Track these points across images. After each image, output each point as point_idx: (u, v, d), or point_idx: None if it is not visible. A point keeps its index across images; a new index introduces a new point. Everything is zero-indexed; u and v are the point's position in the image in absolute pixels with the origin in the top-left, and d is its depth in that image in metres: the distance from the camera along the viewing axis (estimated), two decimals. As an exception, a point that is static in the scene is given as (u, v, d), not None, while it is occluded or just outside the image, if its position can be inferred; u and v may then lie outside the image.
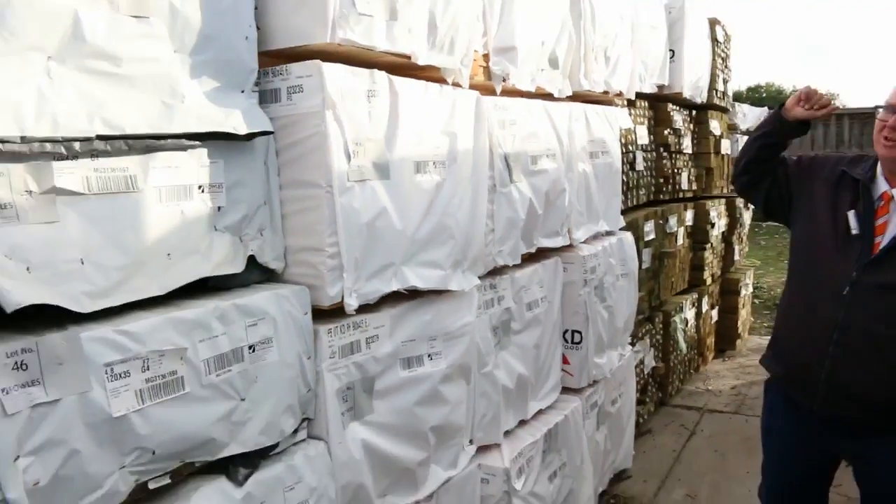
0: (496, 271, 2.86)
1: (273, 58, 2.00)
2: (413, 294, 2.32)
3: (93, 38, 1.55)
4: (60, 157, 1.47)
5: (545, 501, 3.06)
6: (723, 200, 6.25)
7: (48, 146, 1.44)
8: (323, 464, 1.99)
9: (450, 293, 2.48)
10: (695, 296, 5.58)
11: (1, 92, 1.39)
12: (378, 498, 2.22)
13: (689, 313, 5.48)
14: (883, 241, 2.21)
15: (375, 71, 2.10)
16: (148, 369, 1.55)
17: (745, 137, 7.42)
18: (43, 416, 1.38)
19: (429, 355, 2.40)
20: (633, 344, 4.26)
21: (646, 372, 4.69)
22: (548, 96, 3.23)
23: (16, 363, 1.35)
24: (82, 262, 1.52)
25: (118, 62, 1.60)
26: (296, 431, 1.97)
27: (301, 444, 1.97)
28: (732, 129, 7.17)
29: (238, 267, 1.87)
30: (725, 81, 6.15)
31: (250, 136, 1.86)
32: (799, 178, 2.49)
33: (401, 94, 2.17)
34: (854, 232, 2.28)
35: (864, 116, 15.40)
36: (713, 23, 5.72)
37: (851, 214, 2.29)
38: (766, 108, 10.04)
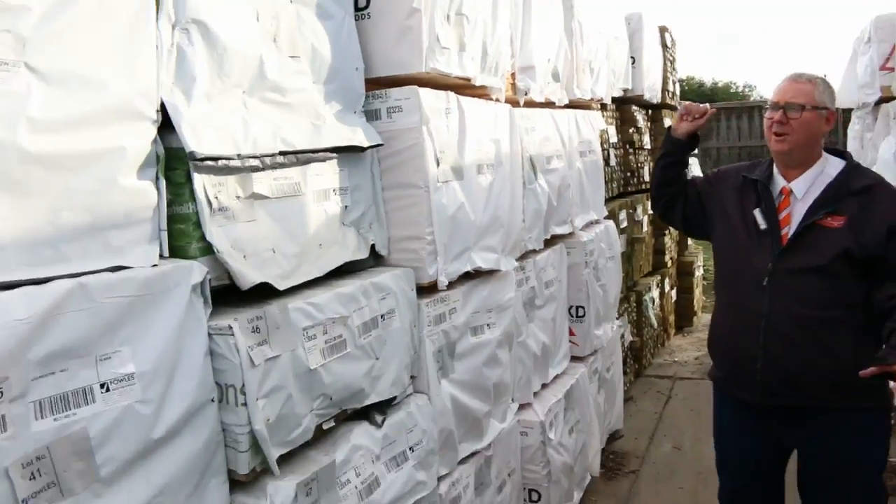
0: (522, 256, 3.35)
1: (372, 85, 2.45)
2: (475, 274, 2.80)
3: (270, 75, 1.99)
4: (256, 169, 1.91)
5: (569, 450, 3.58)
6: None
7: (253, 161, 1.88)
8: (427, 412, 2.45)
9: (498, 273, 2.97)
10: (658, 277, 6.20)
11: (221, 120, 1.82)
12: (459, 443, 2.70)
13: (655, 293, 6.10)
14: (790, 231, 2.37)
15: (450, 92, 2.58)
16: (326, 332, 2.00)
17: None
18: (270, 367, 1.82)
19: (487, 325, 2.89)
20: (618, 318, 4.82)
21: (625, 345, 5.26)
22: (550, 105, 3.74)
23: (253, 327, 1.78)
24: (273, 252, 1.96)
25: (284, 93, 2.04)
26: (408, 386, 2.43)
27: (412, 396, 2.43)
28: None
29: (364, 254, 2.32)
30: (674, 82, 6.81)
31: (366, 148, 2.32)
32: (709, 192, 2.66)
33: (466, 110, 2.66)
34: (762, 227, 2.43)
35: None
36: (662, 30, 6.36)
37: (757, 212, 2.45)
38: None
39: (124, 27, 1.58)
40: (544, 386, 3.61)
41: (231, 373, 1.73)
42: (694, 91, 27.07)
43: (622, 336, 5.13)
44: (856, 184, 2.37)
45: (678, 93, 7.06)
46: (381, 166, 2.45)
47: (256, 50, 1.94)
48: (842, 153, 2.49)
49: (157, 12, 1.67)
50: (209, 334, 1.71)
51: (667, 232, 6.41)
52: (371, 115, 2.43)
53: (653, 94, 5.98)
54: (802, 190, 2.42)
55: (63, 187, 1.46)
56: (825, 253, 2.30)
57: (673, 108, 6.80)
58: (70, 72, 1.47)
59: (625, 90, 5.29)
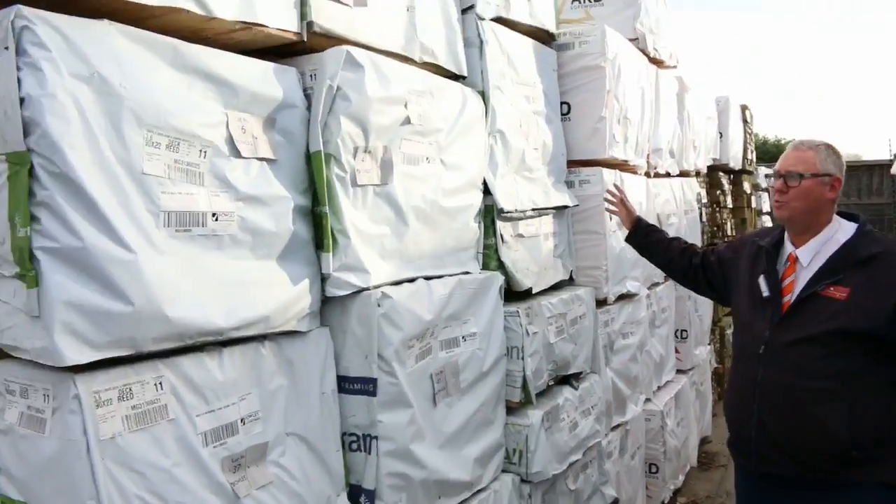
0: (650, 286, 4.52)
1: (569, 164, 3.67)
2: (625, 296, 3.97)
3: (526, 161, 3.22)
4: (522, 219, 3.13)
5: (678, 438, 4.70)
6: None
7: (520, 214, 3.11)
8: (599, 385, 3.61)
9: (637, 297, 4.14)
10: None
11: (508, 189, 3.05)
12: (613, 413, 3.85)
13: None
14: (791, 300, 2.35)
15: (616, 171, 3.80)
16: (556, 322, 3.20)
17: (764, 193, 9.19)
18: (534, 339, 3.00)
19: (631, 332, 4.05)
20: (709, 345, 5.93)
21: (710, 369, 6.34)
22: (667, 175, 4.93)
23: (527, 313, 2.98)
24: (528, 269, 3.17)
25: (532, 171, 3.27)
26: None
27: (591, 374, 3.60)
28: (756, 187, 8.96)
29: (566, 276, 3.53)
30: (751, 150, 7.96)
31: (569, 207, 3.54)
32: (729, 260, 2.71)
33: (626, 181, 3.87)
34: (765, 295, 2.41)
35: (850, 169, 17.28)
36: (743, 108, 7.55)
37: (761, 279, 2.45)
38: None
39: (475, 137, 2.83)
40: (659, 388, 4.73)
41: (515, 339, 2.93)
42: (759, 148, 27.60)
43: (709, 362, 6.23)
44: (862, 252, 2.31)
45: (755, 159, 8.20)
46: (573, 219, 3.65)
47: (521, 146, 3.18)
48: (856, 217, 2.45)
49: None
50: (505, 316, 2.91)
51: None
52: (569, 185, 3.65)
53: (735, 161, 7.14)
54: (808, 257, 2.38)
55: (449, 226, 2.69)
56: (822, 325, 2.26)
57: (750, 173, 7.93)
58: (455, 163, 2.72)
59: (714, 159, 6.46)
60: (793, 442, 2.30)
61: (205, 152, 1.87)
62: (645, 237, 3.10)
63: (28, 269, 1.57)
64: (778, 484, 2.37)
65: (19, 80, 1.52)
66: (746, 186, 7.66)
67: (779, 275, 2.43)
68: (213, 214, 1.87)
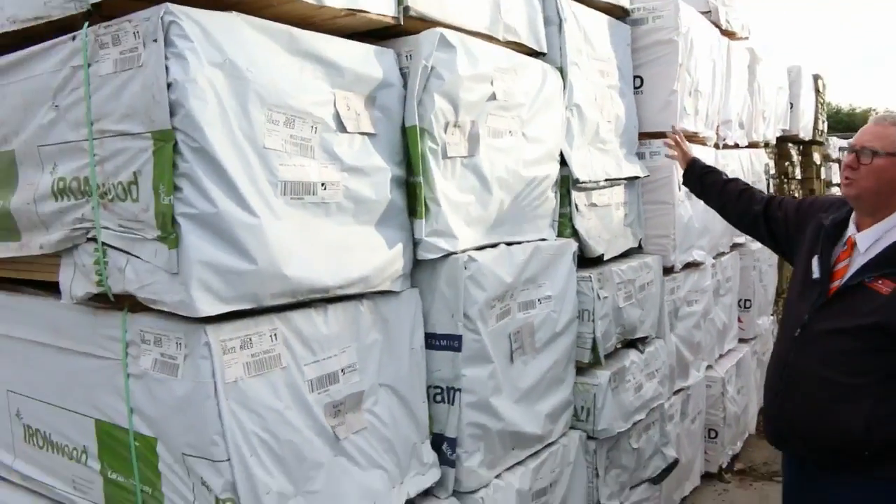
0: (715, 256, 4.62)
1: (641, 136, 3.79)
2: (691, 264, 4.09)
3: (600, 133, 3.35)
4: (595, 188, 3.28)
5: (738, 405, 4.82)
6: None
7: (593, 184, 3.25)
8: (664, 350, 3.76)
9: (702, 265, 4.25)
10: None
11: (582, 160, 3.19)
12: (676, 378, 4.00)
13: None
14: (840, 285, 2.25)
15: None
16: (625, 287, 3.35)
17: (835, 165, 9.09)
18: (604, 302, 3.16)
19: (696, 300, 4.18)
20: (772, 315, 6.00)
21: (773, 339, 6.40)
22: (736, 146, 4.99)
23: (598, 278, 3.14)
24: (600, 237, 3.32)
25: (605, 143, 3.41)
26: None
27: (656, 339, 3.75)
28: (826, 158, 8.86)
29: (635, 244, 3.67)
30: (823, 121, 7.87)
31: (640, 178, 3.66)
32: (796, 222, 2.61)
33: (695, 153, 3.97)
34: (815, 276, 2.32)
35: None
36: (816, 77, 7.46)
37: (815, 259, 2.34)
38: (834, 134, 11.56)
39: (554, 111, 2.98)
40: (721, 356, 4.85)
41: (586, 302, 3.10)
42: (831, 117, 26.86)
43: (772, 331, 6.28)
44: None
45: (826, 129, 8.11)
46: (643, 189, 3.78)
47: (595, 119, 3.31)
48: None
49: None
50: (577, 281, 3.08)
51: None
52: (639, 156, 3.77)
53: (806, 132, 7.10)
54: (867, 243, 2.27)
55: (528, 195, 2.86)
56: (858, 318, 2.18)
57: (820, 144, 7.86)
58: (536, 136, 2.87)
59: (784, 130, 6.45)
60: (809, 431, 2.27)
61: (315, 128, 2.07)
62: (700, 179, 3.09)
63: (169, 233, 1.80)
64: (797, 463, 2.40)
65: (167, 68, 1.74)
66: (816, 157, 7.60)
67: (833, 257, 2.32)
68: (322, 184, 2.08)
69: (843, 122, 27.20)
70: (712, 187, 3.05)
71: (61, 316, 2.29)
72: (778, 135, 6.24)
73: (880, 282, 2.17)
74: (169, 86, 1.74)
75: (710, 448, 4.57)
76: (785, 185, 6.72)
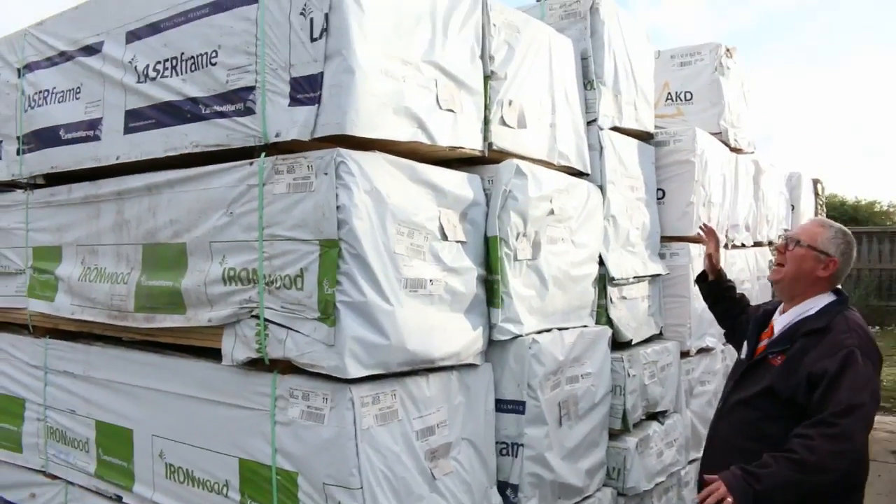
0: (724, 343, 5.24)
1: (662, 239, 4.48)
2: (703, 349, 4.73)
3: (630, 237, 4.04)
4: (626, 284, 3.94)
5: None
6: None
7: (624, 280, 3.92)
8: (681, 423, 4.34)
9: (713, 350, 4.88)
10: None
11: (617, 261, 3.87)
12: (690, 449, 4.59)
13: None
14: (752, 361, 2.59)
15: (700, 245, 4.59)
16: (648, 367, 3.98)
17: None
18: (633, 379, 3.79)
19: (708, 381, 4.79)
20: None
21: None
22: (743, 246, 5.68)
23: (628, 359, 3.78)
24: (629, 324, 3.97)
25: (634, 246, 4.08)
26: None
27: (673, 413, 4.34)
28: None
29: (656, 331, 4.31)
30: (821, 222, 8.58)
31: (661, 275, 4.34)
32: (746, 320, 3.02)
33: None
34: (742, 356, 2.68)
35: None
36: (815, 181, 8.23)
37: (746, 341, 2.71)
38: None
39: (595, 221, 3.68)
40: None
41: (618, 379, 3.72)
42: (835, 209, 27.07)
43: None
44: (810, 325, 2.47)
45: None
46: (663, 284, 4.45)
47: (626, 226, 4.00)
48: (839, 294, 2.58)
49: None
50: (611, 361, 3.72)
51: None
52: (661, 256, 4.45)
53: (805, 232, 7.80)
54: (781, 326, 2.58)
55: (574, 290, 3.52)
56: (755, 387, 2.48)
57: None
58: (581, 242, 3.56)
59: (785, 230, 7.14)
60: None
61: (427, 237, 2.75)
62: (723, 291, 3.30)
63: (329, 315, 2.46)
64: None
65: (337, 195, 2.43)
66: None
67: (757, 340, 2.65)
68: (431, 280, 2.75)
69: (848, 215, 27.72)
70: (726, 300, 3.30)
71: (212, 375, 2.93)
72: (780, 233, 6.92)
73: (778, 356, 2.49)
74: (337, 207, 2.42)
75: (719, 515, 5.10)
76: (786, 280, 7.39)
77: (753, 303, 5.29)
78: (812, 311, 2.51)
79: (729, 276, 4.85)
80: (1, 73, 4.06)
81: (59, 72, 3.68)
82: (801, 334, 2.46)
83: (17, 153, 3.96)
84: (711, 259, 3.30)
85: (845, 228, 2.62)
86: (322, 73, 2.47)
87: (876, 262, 16.61)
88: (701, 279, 3.42)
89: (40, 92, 3.77)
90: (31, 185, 4.02)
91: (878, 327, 12.48)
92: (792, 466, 2.27)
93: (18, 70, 3.94)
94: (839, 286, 2.63)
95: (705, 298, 3.42)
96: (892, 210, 30.30)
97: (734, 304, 3.24)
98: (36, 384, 3.86)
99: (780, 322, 2.60)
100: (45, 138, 3.73)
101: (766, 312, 2.74)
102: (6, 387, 4.04)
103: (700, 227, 3.51)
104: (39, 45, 3.79)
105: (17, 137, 3.96)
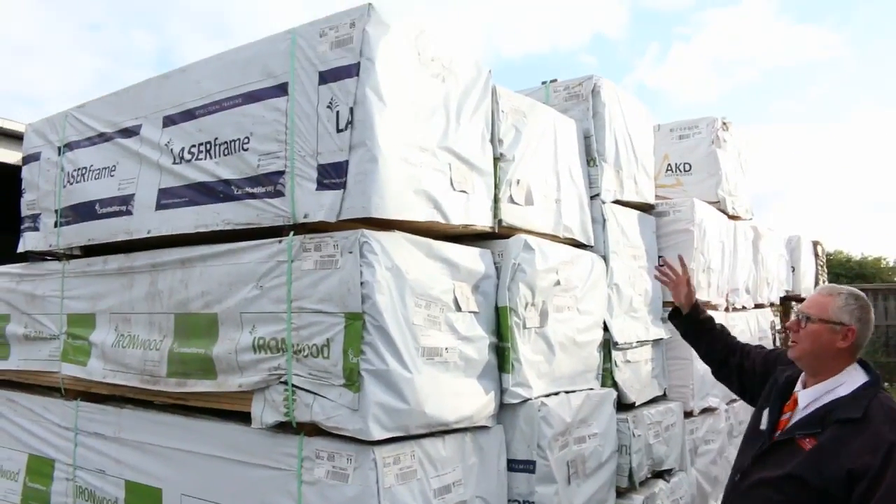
0: (728, 402, 5.41)
1: (663, 304, 4.69)
2: (706, 409, 4.89)
3: (633, 304, 4.25)
4: (629, 349, 4.14)
5: None
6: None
7: (627, 345, 4.12)
8: (686, 481, 4.49)
9: (717, 410, 5.05)
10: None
11: (620, 326, 4.08)
12: (696, 507, 4.72)
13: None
14: (777, 439, 2.38)
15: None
16: (653, 427, 4.15)
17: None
18: (638, 439, 3.97)
19: (712, 440, 4.95)
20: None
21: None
22: (744, 308, 5.88)
23: (633, 420, 3.96)
24: (635, 386, 4.16)
25: (637, 312, 4.29)
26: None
27: (678, 472, 4.50)
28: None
29: (660, 392, 4.50)
30: (823, 281, 8.80)
31: (661, 339, 4.54)
32: (762, 374, 2.79)
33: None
34: (762, 427, 2.46)
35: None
36: (815, 243, 8.46)
37: (766, 411, 2.50)
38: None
39: (600, 290, 3.90)
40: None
41: (624, 439, 3.90)
42: (842, 265, 27.02)
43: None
44: (843, 413, 2.31)
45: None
46: (666, 347, 4.65)
47: (629, 293, 4.22)
48: (868, 370, 2.44)
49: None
50: (617, 421, 3.90)
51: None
52: (663, 321, 4.65)
53: (807, 292, 8.00)
54: (806, 401, 2.41)
55: (580, 355, 3.73)
56: (782, 469, 2.31)
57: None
58: (586, 309, 3.78)
59: (787, 291, 7.36)
60: None
61: (442, 309, 2.98)
62: (698, 322, 3.17)
63: (354, 382, 2.67)
64: None
65: (361, 272, 2.66)
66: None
67: (780, 411, 2.47)
68: (446, 349, 2.97)
69: (854, 271, 27.76)
70: (706, 334, 3.17)
71: (240, 437, 3.12)
72: (781, 295, 7.13)
73: (807, 439, 2.31)
74: (361, 283, 2.66)
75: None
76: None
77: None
78: (842, 393, 2.36)
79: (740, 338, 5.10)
80: (42, 150, 4.35)
81: (97, 151, 3.95)
82: (833, 420, 2.30)
83: (55, 225, 4.23)
84: (679, 291, 3.21)
85: (857, 291, 2.47)
86: (347, 161, 2.72)
87: (882, 318, 16.73)
88: (673, 315, 3.32)
89: (78, 169, 4.05)
90: (67, 255, 4.27)
91: (886, 384, 12.53)
92: None
93: (59, 148, 4.22)
94: (866, 362, 2.49)
95: (684, 336, 3.31)
96: (897, 265, 30.40)
97: (716, 339, 3.15)
98: (66, 445, 4.04)
99: (805, 396, 2.43)
100: (83, 212, 3.99)
101: (788, 381, 2.56)
102: (37, 448, 4.21)
103: (656, 268, 3.44)
104: (79, 125, 4.07)
105: (56, 211, 4.23)
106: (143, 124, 3.65)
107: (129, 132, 3.74)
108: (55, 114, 4.29)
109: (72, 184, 4.09)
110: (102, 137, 3.93)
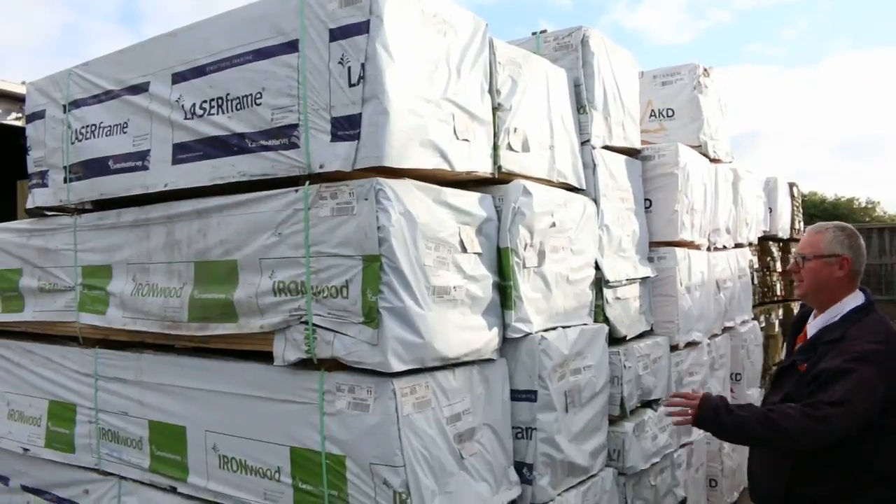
0: (710, 337, 5.71)
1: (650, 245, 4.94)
2: (690, 343, 5.18)
3: (622, 244, 4.50)
4: (620, 286, 4.39)
5: (733, 460, 5.82)
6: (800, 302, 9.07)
7: (618, 283, 4.38)
8: (672, 410, 4.81)
9: (700, 344, 5.34)
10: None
11: (612, 265, 4.32)
12: (681, 435, 5.04)
13: (782, 377, 8.27)
14: (783, 365, 2.77)
15: (685, 248, 5.05)
16: (642, 360, 4.43)
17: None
18: (629, 370, 4.24)
19: (695, 372, 5.25)
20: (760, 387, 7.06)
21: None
22: (724, 248, 6.15)
23: (625, 352, 4.24)
24: (625, 321, 4.42)
25: (625, 251, 4.54)
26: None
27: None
28: (802, 253, 10.07)
29: (647, 327, 4.76)
30: (799, 221, 9.11)
31: (649, 278, 4.80)
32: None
33: (692, 257, 5.12)
34: (782, 359, 3.05)
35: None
36: (791, 185, 8.73)
37: (785, 346, 3.07)
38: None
39: (590, 231, 4.13)
40: (716, 419, 5.89)
41: (616, 371, 4.17)
42: (816, 206, 27.59)
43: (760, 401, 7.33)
44: (828, 335, 2.60)
45: (803, 228, 9.34)
46: (652, 285, 4.91)
47: (618, 234, 4.45)
48: (866, 296, 2.69)
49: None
50: (609, 354, 4.17)
51: (791, 333, 8.60)
52: (650, 260, 4.91)
53: (784, 232, 8.33)
54: (812, 331, 2.71)
55: (574, 293, 3.97)
56: (783, 392, 2.68)
57: (797, 241, 9.06)
58: (579, 249, 4.01)
59: (765, 231, 7.65)
60: (756, 488, 2.88)
61: (450, 250, 3.19)
62: (724, 415, 2.67)
63: (373, 319, 2.89)
64: None
65: (377, 217, 2.86)
66: (794, 252, 8.79)
67: (794, 344, 2.84)
68: (454, 287, 3.19)
69: (828, 212, 28.35)
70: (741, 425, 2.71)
71: (262, 375, 3.34)
72: (759, 235, 7.42)
73: (804, 364, 2.64)
74: (378, 228, 2.86)
75: (711, 495, 5.57)
76: (767, 277, 7.88)
77: (734, 302, 5.79)
78: (836, 319, 2.63)
79: (713, 277, 5.39)
80: (47, 108, 4.46)
81: (105, 108, 4.08)
82: (821, 343, 2.58)
83: (65, 181, 4.36)
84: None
85: (842, 223, 2.76)
86: (360, 114, 2.90)
87: (855, 257, 17.18)
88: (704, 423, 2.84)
89: (87, 126, 4.18)
90: (78, 209, 4.42)
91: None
92: (764, 422, 2.55)
93: (64, 106, 4.34)
94: (865, 289, 2.73)
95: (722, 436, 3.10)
96: (869, 206, 31.10)
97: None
98: (87, 390, 4.24)
99: (812, 327, 2.72)
100: (94, 168, 4.13)
101: (803, 316, 2.85)
102: (57, 394, 4.41)
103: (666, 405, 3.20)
104: (84, 83, 4.18)
105: (64, 167, 4.36)
106: (152, 81, 3.78)
107: (138, 89, 3.86)
108: (57, 72, 4.39)
109: (80, 140, 4.21)
110: (109, 95, 4.04)
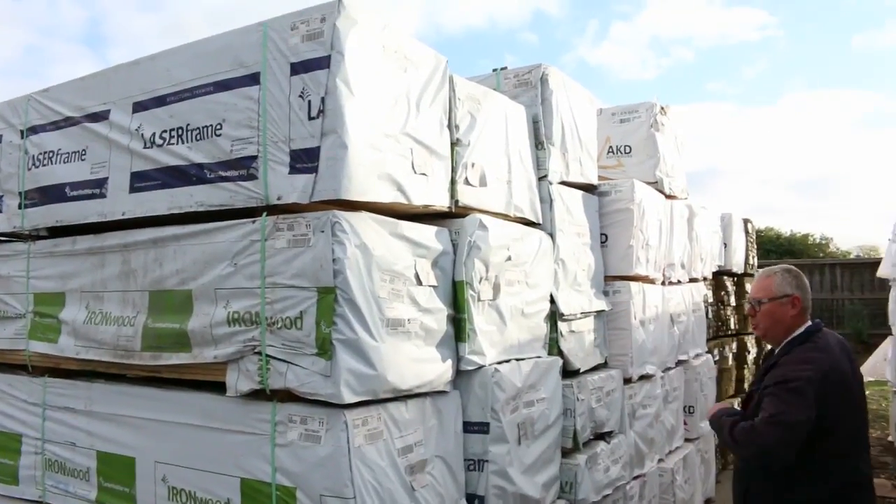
0: (664, 370, 5.80)
1: (606, 279, 5.02)
2: (645, 376, 5.26)
3: (577, 278, 4.58)
4: (574, 319, 4.47)
5: (685, 492, 5.90)
6: (754, 336, 9.24)
7: (572, 316, 4.45)
8: (625, 442, 4.86)
9: (653, 377, 5.43)
10: (739, 399, 8.47)
11: (566, 298, 4.40)
12: (634, 467, 5.10)
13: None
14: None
15: (640, 283, 5.14)
16: (596, 391, 4.49)
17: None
18: (582, 403, 4.30)
19: (649, 404, 5.33)
20: (712, 421, 7.15)
21: (714, 441, 7.53)
22: (679, 283, 6.27)
23: (577, 385, 4.29)
24: (577, 354, 4.49)
25: (581, 285, 4.61)
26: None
27: (618, 434, 4.86)
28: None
29: (602, 360, 4.83)
30: (753, 256, 9.30)
31: (604, 311, 4.88)
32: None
33: (647, 291, 5.21)
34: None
35: (853, 266, 18.86)
36: (746, 221, 8.93)
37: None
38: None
39: (547, 265, 4.20)
40: (670, 452, 5.97)
41: (569, 403, 4.22)
42: (772, 241, 28.11)
43: (714, 437, 7.42)
44: (772, 360, 3.02)
45: (756, 263, 9.54)
46: (607, 318, 4.98)
47: (574, 268, 4.53)
48: (813, 324, 3.02)
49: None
50: (562, 387, 4.22)
51: (745, 364, 8.75)
52: (605, 294, 4.99)
53: (738, 267, 8.50)
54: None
55: (529, 326, 4.02)
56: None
57: (752, 276, 9.26)
58: (534, 283, 4.07)
59: (720, 266, 7.80)
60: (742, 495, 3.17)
61: (405, 283, 3.23)
62: (724, 416, 3.21)
63: (326, 350, 2.91)
64: None
65: (333, 250, 2.89)
66: (748, 287, 8.97)
67: (763, 378, 3.05)
68: (408, 320, 3.22)
69: (784, 247, 28.82)
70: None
71: (214, 405, 3.32)
72: (714, 270, 7.57)
73: (755, 391, 3.06)
74: (334, 260, 2.89)
75: (662, 528, 5.62)
76: (722, 311, 8.03)
77: (688, 335, 5.89)
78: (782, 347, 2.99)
79: (668, 311, 5.49)
80: (4, 133, 4.43)
81: (63, 135, 4.06)
82: (770, 368, 2.94)
83: (20, 207, 4.32)
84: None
85: (786, 266, 3.12)
86: (319, 147, 2.94)
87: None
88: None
89: (45, 152, 4.15)
90: (32, 236, 4.37)
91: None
92: (729, 431, 3.00)
93: (22, 132, 4.31)
94: (817, 321, 3.05)
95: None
96: (823, 242, 31.79)
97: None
98: (34, 420, 4.17)
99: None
100: (50, 194, 4.11)
101: (771, 350, 3.21)
102: (2, 423, 4.33)
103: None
104: (44, 109, 4.17)
105: (20, 193, 4.32)
106: (112, 109, 3.78)
107: (98, 116, 3.86)
108: (15, 98, 4.37)
109: (37, 167, 4.18)
110: (68, 122, 4.03)
